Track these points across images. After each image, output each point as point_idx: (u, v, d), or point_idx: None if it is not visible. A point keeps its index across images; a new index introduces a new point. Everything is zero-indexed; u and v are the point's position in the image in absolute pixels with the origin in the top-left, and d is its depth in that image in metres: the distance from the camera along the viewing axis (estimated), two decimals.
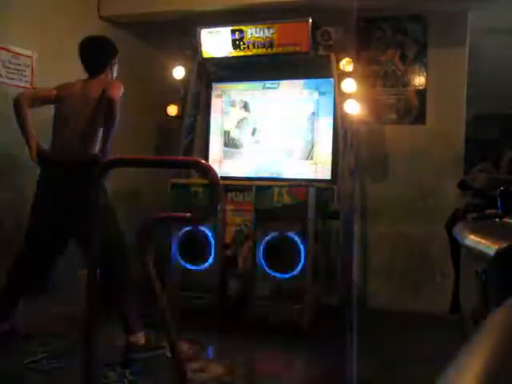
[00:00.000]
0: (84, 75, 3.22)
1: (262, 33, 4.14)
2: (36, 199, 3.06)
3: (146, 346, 3.03)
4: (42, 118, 3.16)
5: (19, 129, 3.03)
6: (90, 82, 3.14)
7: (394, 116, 4.46)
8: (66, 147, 3.03)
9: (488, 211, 2.27)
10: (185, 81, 4.51)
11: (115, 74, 3.29)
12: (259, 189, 3.84)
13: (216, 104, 4.66)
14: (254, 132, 4.54)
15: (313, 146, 4.33)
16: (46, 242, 3.04)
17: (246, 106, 4.59)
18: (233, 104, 4.63)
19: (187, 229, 3.97)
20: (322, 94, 4.30)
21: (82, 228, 2.81)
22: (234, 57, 4.29)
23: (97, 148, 3.04)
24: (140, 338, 3.03)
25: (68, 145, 3.03)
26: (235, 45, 4.24)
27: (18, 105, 3.03)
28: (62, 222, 3.01)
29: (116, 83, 3.02)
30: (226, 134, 4.63)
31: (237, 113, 4.61)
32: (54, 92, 3.16)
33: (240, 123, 4.59)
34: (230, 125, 4.62)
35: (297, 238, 3.70)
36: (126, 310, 3.01)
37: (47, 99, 3.16)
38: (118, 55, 3.27)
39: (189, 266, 4.02)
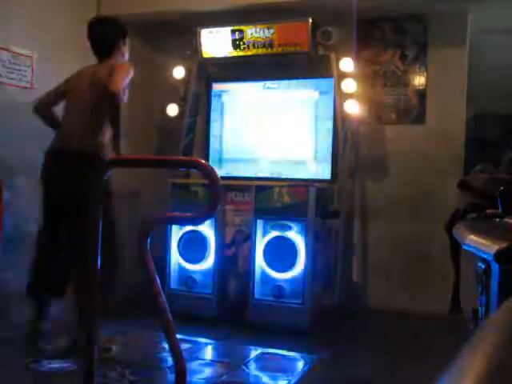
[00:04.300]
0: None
1: (262, 33, 4.14)
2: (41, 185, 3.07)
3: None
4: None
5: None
6: (98, 67, 3.06)
7: (394, 116, 4.46)
8: (69, 137, 2.99)
9: (488, 211, 2.27)
10: (185, 81, 4.51)
11: (127, 57, 3.19)
12: (259, 189, 3.84)
13: (216, 104, 4.66)
14: (254, 132, 4.54)
15: (313, 146, 4.33)
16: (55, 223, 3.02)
17: (245, 106, 4.58)
18: (233, 104, 4.63)
19: (187, 229, 3.97)
20: (322, 93, 4.30)
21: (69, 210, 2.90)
22: (234, 57, 4.29)
23: (105, 137, 3.00)
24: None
25: (71, 135, 2.99)
26: (235, 45, 4.24)
27: (38, 111, 3.13)
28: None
29: (121, 67, 2.91)
30: (226, 134, 4.62)
31: (237, 113, 4.61)
32: (63, 87, 3.15)
33: (240, 123, 4.59)
34: (229, 125, 4.62)
35: (297, 238, 3.71)
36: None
37: (59, 95, 3.16)
38: (127, 36, 3.20)
39: (189, 266, 4.03)
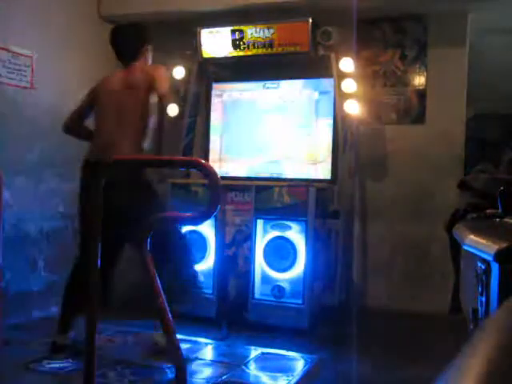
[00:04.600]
0: (88, 74, 3.19)
1: (262, 33, 4.14)
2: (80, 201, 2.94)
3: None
4: None
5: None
6: (128, 73, 3.00)
7: (394, 116, 4.46)
8: (108, 145, 2.86)
9: (488, 211, 2.27)
10: (185, 81, 4.51)
11: (150, 62, 3.17)
12: (259, 189, 3.84)
13: (216, 104, 4.66)
14: (254, 132, 4.54)
15: (313, 146, 4.33)
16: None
17: (245, 106, 4.58)
18: (233, 104, 4.63)
19: (187, 229, 3.97)
20: (322, 93, 4.30)
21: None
22: (234, 57, 4.28)
23: (144, 143, 2.94)
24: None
25: (110, 142, 2.87)
26: (235, 45, 4.24)
27: (69, 131, 3.11)
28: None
29: (161, 71, 2.88)
30: (226, 134, 4.62)
31: (237, 113, 4.61)
32: (89, 97, 3.09)
33: (240, 123, 4.59)
34: (229, 124, 4.62)
35: (297, 238, 3.71)
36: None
37: (87, 108, 3.10)
38: (151, 42, 3.18)
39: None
